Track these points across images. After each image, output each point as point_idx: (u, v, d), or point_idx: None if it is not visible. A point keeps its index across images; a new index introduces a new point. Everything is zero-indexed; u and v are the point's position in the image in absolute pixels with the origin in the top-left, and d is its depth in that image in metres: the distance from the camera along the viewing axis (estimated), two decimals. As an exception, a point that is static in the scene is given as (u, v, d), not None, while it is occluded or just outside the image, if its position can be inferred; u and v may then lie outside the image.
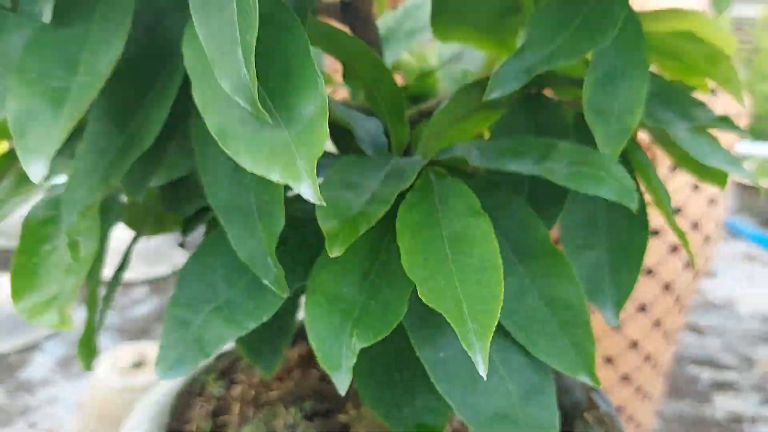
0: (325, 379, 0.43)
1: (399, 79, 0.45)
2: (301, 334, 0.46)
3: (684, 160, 0.34)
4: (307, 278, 0.25)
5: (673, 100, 0.30)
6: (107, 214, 0.30)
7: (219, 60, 0.19)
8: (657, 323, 0.64)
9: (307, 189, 0.18)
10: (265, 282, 0.24)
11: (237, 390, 0.44)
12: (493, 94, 0.25)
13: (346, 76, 0.30)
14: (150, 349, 1.38)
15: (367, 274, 0.25)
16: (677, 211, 0.62)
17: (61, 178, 0.31)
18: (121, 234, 0.37)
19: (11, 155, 0.36)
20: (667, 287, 0.63)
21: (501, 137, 0.31)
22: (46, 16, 0.24)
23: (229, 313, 0.25)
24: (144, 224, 0.34)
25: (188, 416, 0.40)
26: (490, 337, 0.20)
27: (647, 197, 0.32)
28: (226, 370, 0.45)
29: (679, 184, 0.62)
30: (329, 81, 0.45)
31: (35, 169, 0.20)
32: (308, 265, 0.26)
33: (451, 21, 0.30)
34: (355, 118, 0.34)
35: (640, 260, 0.29)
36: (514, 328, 0.26)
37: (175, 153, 0.26)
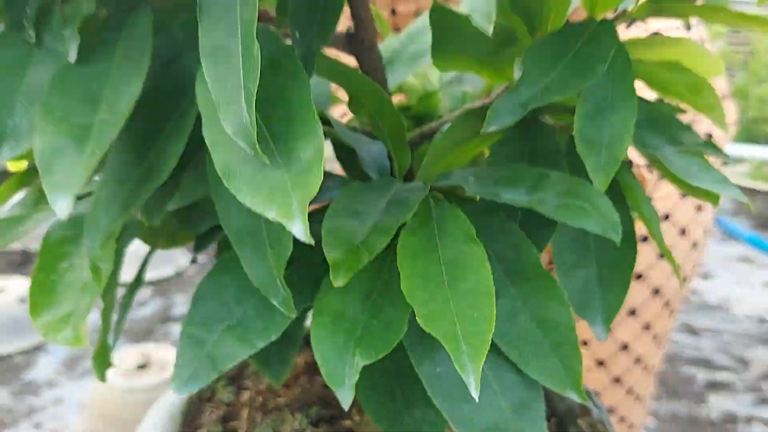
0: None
1: (402, 99, 0.46)
2: (307, 342, 0.48)
3: (675, 179, 0.35)
4: (313, 298, 0.27)
5: (661, 125, 0.32)
6: (124, 232, 0.32)
7: (223, 104, 0.20)
8: (647, 327, 0.66)
9: (298, 228, 0.20)
10: (275, 303, 0.25)
11: (245, 396, 0.45)
12: (491, 128, 0.26)
13: (351, 104, 0.31)
14: (154, 350, 1.39)
15: (370, 294, 0.27)
16: (665, 217, 0.64)
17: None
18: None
19: (30, 172, 0.37)
20: (656, 292, 0.65)
21: (498, 162, 0.33)
22: (70, 54, 0.25)
23: (241, 332, 0.26)
24: (158, 240, 0.36)
25: (199, 422, 0.42)
26: (482, 360, 0.22)
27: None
28: (234, 376, 0.46)
29: (666, 191, 0.64)
30: (334, 99, 0.46)
31: (61, 204, 0.21)
32: (315, 284, 0.28)
33: (451, 52, 0.31)
34: (360, 141, 0.35)
35: (628, 279, 0.31)
36: (507, 347, 0.28)
37: (190, 179, 0.28)
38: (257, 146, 0.20)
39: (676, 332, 1.81)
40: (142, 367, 1.37)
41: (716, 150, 0.31)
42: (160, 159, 0.24)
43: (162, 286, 2.02)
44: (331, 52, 0.32)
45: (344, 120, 0.55)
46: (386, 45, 0.42)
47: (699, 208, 0.65)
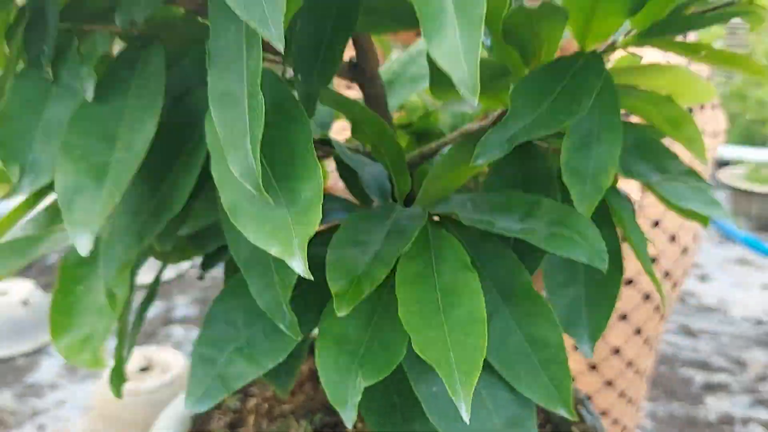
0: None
1: (404, 117, 0.48)
2: (312, 351, 0.50)
3: (664, 200, 0.37)
4: (318, 320, 0.29)
5: (647, 153, 0.33)
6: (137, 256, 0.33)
7: (230, 147, 0.22)
8: (638, 331, 0.68)
9: (299, 265, 0.21)
10: (281, 327, 0.27)
11: (252, 403, 0.47)
12: (479, 161, 0.28)
13: (355, 133, 0.33)
14: (156, 353, 1.41)
15: (371, 318, 0.28)
16: (655, 224, 0.66)
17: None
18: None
19: (42, 192, 0.39)
20: (647, 297, 0.67)
21: (494, 183, 0.34)
22: (87, 92, 0.27)
23: (250, 353, 0.28)
24: (169, 257, 0.37)
25: (207, 428, 0.44)
26: (473, 385, 0.24)
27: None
28: (240, 385, 0.48)
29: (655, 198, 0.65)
30: (337, 115, 0.48)
31: (82, 241, 0.23)
32: (320, 307, 0.29)
33: (447, 84, 0.33)
34: (361, 163, 0.37)
35: (613, 298, 0.32)
36: (501, 365, 0.29)
37: (201, 207, 0.29)
38: (262, 188, 0.21)
39: (673, 334, 1.83)
40: (144, 369, 1.39)
41: (698, 179, 0.32)
42: (172, 192, 0.26)
43: (163, 288, 2.04)
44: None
45: (347, 132, 0.57)
46: (387, 67, 0.44)
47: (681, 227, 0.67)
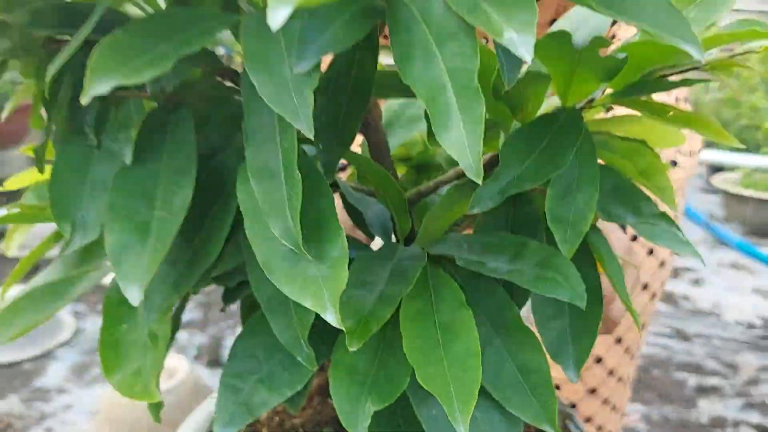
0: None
1: (403, 151, 0.51)
2: (320, 367, 0.53)
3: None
4: (330, 352, 0.32)
5: (623, 197, 0.37)
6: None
7: (270, 212, 0.26)
8: (618, 340, 0.72)
9: (331, 317, 0.25)
10: (299, 359, 0.31)
11: (264, 415, 0.51)
12: (474, 210, 0.32)
13: (360, 178, 0.37)
14: (163, 361, 1.44)
15: (377, 351, 0.32)
16: (634, 238, 0.69)
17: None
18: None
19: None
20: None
21: (487, 223, 0.38)
22: (125, 156, 0.30)
23: (270, 384, 0.32)
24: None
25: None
26: (470, 412, 0.27)
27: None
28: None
29: None
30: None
31: (132, 293, 0.26)
32: (332, 340, 0.33)
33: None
34: (366, 203, 0.41)
35: (595, 329, 0.36)
36: (494, 390, 0.33)
37: (227, 250, 0.33)
38: (302, 247, 0.25)
39: (668, 338, 1.87)
40: (153, 376, 1.41)
41: (670, 222, 0.36)
42: (206, 244, 0.30)
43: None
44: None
45: (357, 149, 0.60)
46: (387, 106, 0.47)
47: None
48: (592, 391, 0.73)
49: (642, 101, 0.34)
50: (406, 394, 0.33)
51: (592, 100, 0.36)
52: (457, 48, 0.25)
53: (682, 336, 1.87)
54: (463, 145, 0.24)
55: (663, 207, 0.39)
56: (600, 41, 0.30)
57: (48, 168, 0.33)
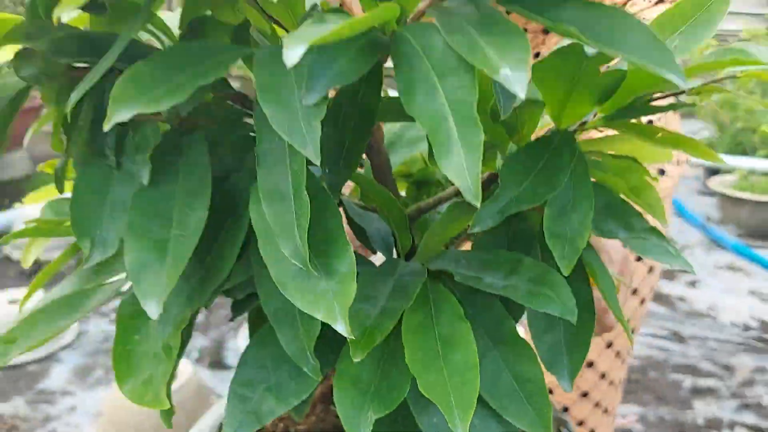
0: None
1: (404, 168, 0.53)
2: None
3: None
4: (335, 362, 0.34)
5: (615, 213, 0.39)
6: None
7: (281, 234, 0.27)
8: (609, 345, 0.74)
9: (342, 328, 0.27)
10: (305, 370, 0.32)
11: (269, 423, 0.53)
12: (476, 229, 0.34)
13: (363, 198, 0.39)
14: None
15: (380, 361, 0.34)
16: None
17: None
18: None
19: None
20: None
21: (485, 240, 0.40)
22: (143, 177, 0.32)
23: (278, 393, 0.33)
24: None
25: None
26: (469, 420, 0.29)
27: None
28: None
29: None
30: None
31: (151, 308, 0.28)
32: (335, 350, 0.35)
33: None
34: (368, 220, 0.42)
35: (588, 341, 0.38)
36: (492, 399, 0.35)
37: (239, 268, 0.34)
38: (309, 266, 0.27)
39: (664, 339, 1.89)
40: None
41: (660, 236, 0.38)
42: (218, 261, 0.31)
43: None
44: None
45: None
46: (389, 128, 0.49)
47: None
48: (585, 394, 0.75)
49: (631, 124, 0.36)
50: (406, 404, 0.34)
51: (584, 123, 0.38)
52: (458, 82, 0.26)
53: (678, 338, 1.89)
54: (462, 170, 0.25)
55: (653, 221, 0.41)
56: (602, 56, 0.31)
57: (65, 185, 0.35)
